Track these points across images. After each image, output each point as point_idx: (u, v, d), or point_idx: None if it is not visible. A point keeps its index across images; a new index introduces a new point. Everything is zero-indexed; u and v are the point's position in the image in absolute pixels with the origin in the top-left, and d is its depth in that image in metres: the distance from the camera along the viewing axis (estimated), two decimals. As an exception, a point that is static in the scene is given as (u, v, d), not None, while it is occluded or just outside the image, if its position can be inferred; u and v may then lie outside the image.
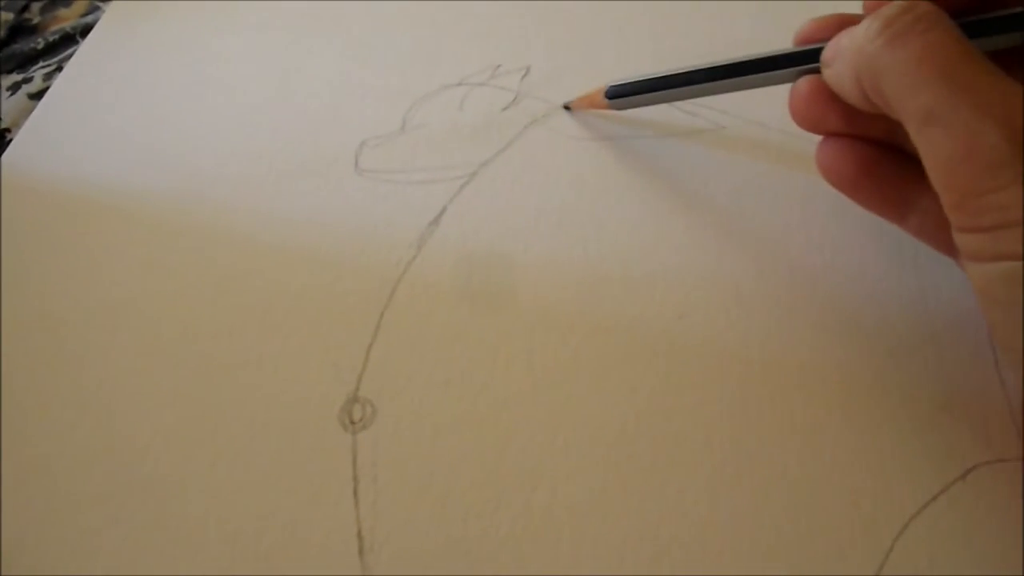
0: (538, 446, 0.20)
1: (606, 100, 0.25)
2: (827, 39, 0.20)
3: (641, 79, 0.24)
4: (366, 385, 0.21)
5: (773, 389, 0.20)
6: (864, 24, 0.18)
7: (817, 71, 0.21)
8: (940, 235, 0.21)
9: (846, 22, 0.20)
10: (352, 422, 0.21)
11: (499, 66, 0.29)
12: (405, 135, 0.27)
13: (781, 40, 0.22)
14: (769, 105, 0.25)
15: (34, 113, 0.30)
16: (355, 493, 0.19)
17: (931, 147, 0.17)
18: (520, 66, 0.29)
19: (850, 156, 0.21)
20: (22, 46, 0.33)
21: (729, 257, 0.23)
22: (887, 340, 0.21)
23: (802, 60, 0.21)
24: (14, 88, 0.32)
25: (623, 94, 0.25)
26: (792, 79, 0.21)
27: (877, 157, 0.21)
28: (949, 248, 0.20)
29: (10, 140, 0.30)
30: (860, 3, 0.20)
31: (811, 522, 0.18)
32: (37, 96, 0.31)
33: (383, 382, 0.21)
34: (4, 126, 0.30)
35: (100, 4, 0.35)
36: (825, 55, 0.20)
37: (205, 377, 0.22)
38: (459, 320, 0.22)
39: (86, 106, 0.30)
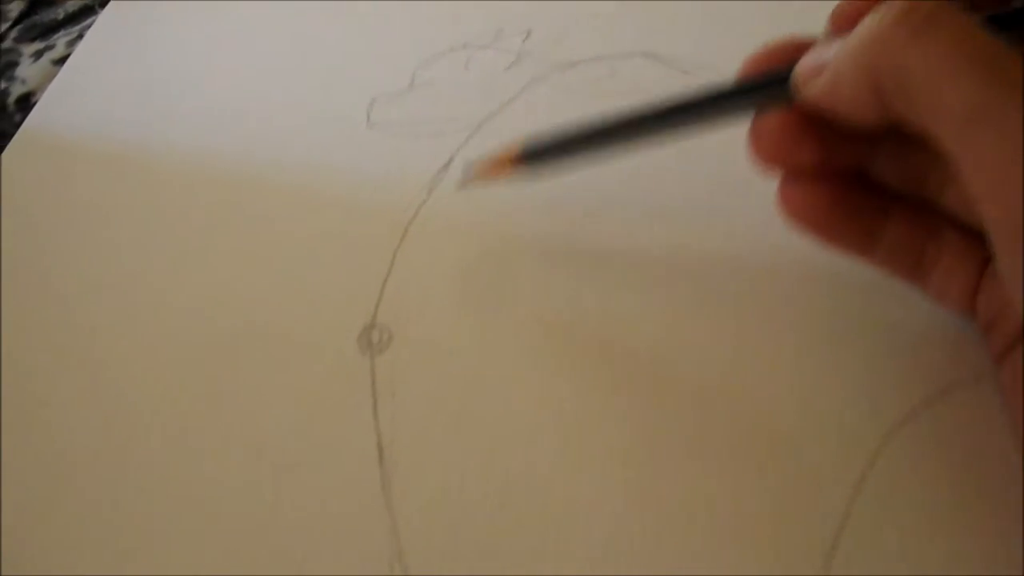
0: (544, 362, 0.21)
1: (517, 165, 0.22)
2: (783, 65, 0.18)
3: (565, 135, 0.21)
4: (382, 314, 0.23)
5: (763, 319, 0.22)
6: (870, 18, 0.16)
7: (782, 101, 0.18)
8: (906, 266, 0.20)
9: (802, 47, 0.19)
10: (370, 345, 0.22)
11: (501, 29, 0.30)
12: (413, 92, 0.29)
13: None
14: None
15: (58, 76, 0.31)
16: (374, 409, 0.21)
17: (980, 151, 0.15)
18: (522, 29, 0.30)
19: (819, 195, 0.20)
20: (43, 17, 0.35)
21: (722, 196, 0.24)
22: (870, 274, 0.22)
23: (767, 87, 0.19)
24: (37, 55, 0.33)
25: (540, 156, 0.21)
26: (751, 110, 0.19)
27: (845, 191, 0.20)
28: (916, 277, 0.20)
29: (35, 103, 0.31)
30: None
31: (801, 433, 0.20)
32: (60, 62, 0.32)
33: (398, 311, 0.23)
34: (28, 89, 0.32)
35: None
36: (803, 71, 0.18)
37: (230, 312, 0.23)
38: (468, 255, 0.24)
39: (107, 69, 0.31)
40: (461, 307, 0.23)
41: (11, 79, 0.32)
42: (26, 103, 0.31)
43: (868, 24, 0.16)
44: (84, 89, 0.30)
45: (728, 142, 0.20)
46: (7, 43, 0.34)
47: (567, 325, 0.22)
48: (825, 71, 0.17)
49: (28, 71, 0.32)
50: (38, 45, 0.34)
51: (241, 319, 0.23)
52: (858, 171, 0.20)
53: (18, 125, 0.30)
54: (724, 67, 0.28)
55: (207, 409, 0.22)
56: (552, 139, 0.21)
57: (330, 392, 0.21)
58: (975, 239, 0.19)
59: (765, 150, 0.19)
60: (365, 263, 0.24)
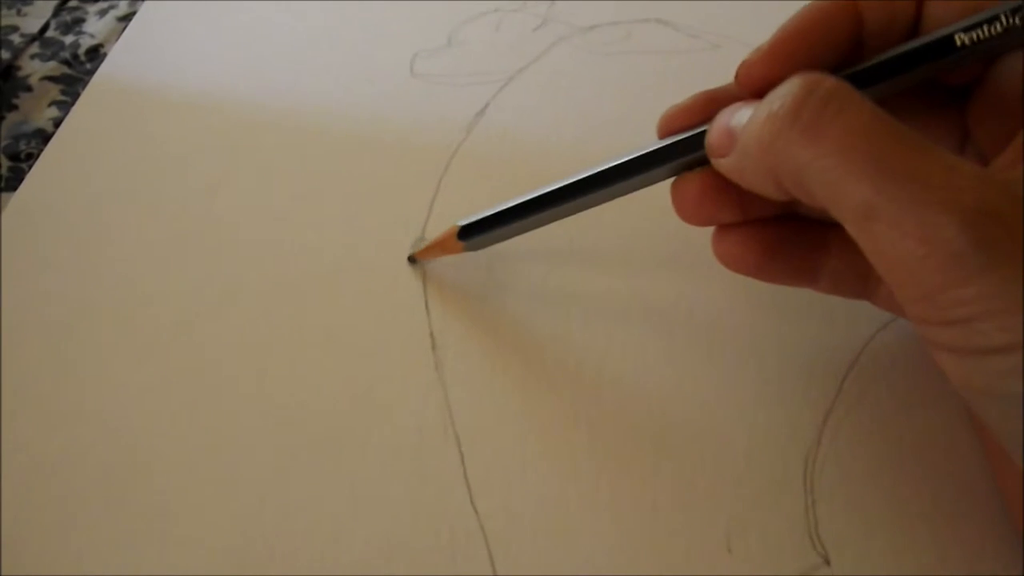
0: (572, 262, 0.25)
1: (459, 242, 0.23)
2: (698, 123, 0.19)
3: (495, 211, 0.22)
4: (430, 230, 0.26)
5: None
6: (764, 110, 0.16)
7: (700, 162, 0.19)
8: (853, 288, 0.21)
9: (714, 100, 0.19)
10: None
11: (529, -4, 0.34)
12: (451, 49, 0.32)
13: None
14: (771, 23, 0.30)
15: (127, 30, 0.34)
16: (426, 307, 0.24)
17: (877, 244, 0.15)
18: (547, -4, 0.34)
19: (752, 244, 0.20)
20: (105, -21, 0.38)
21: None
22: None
23: (683, 152, 0.19)
24: (102, 13, 0.36)
25: (478, 232, 0.23)
26: (672, 174, 0.20)
27: (778, 235, 0.20)
28: (865, 296, 0.21)
29: (104, 54, 0.34)
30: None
31: (777, 363, 0.23)
32: (124, 19, 0.36)
33: (444, 227, 0.26)
34: (97, 42, 0.35)
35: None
36: (712, 142, 0.18)
37: (300, 236, 0.27)
38: (501, 183, 0.27)
39: (172, 24, 0.34)
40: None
41: (79, 33, 0.35)
42: (95, 54, 0.35)
43: (763, 121, 0.16)
44: (151, 42, 0.34)
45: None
46: (73, 2, 0.37)
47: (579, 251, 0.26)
48: (731, 154, 0.18)
49: (95, 27, 0.36)
50: (102, 4, 0.37)
51: (311, 241, 0.26)
52: (790, 213, 0.20)
53: (90, 73, 0.33)
54: (726, 31, 0.32)
55: (287, 321, 0.25)
56: (485, 218, 0.22)
57: (389, 293, 0.25)
58: None
59: (688, 212, 0.20)
60: (415, 189, 0.27)
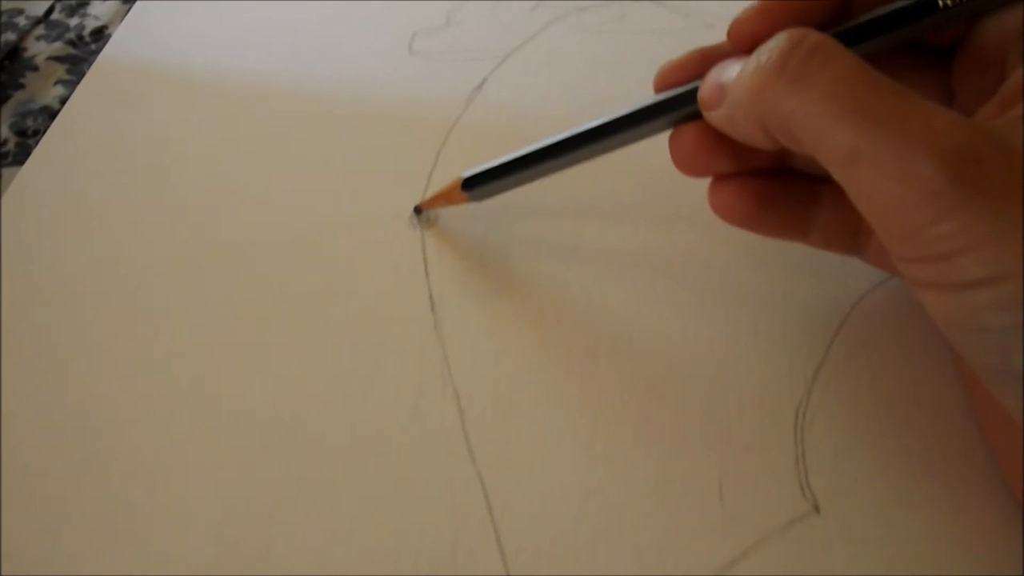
0: (568, 221, 0.25)
1: (463, 193, 0.24)
2: (693, 78, 0.20)
3: (499, 162, 0.23)
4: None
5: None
6: (752, 63, 0.17)
7: (694, 115, 0.20)
8: (843, 242, 0.22)
9: (708, 56, 0.20)
10: (420, 221, 0.26)
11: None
12: (449, 28, 0.33)
13: None
14: None
15: (131, 11, 0.35)
16: (425, 270, 0.25)
17: (861, 186, 0.16)
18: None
19: (746, 195, 0.21)
20: (109, -36, 0.38)
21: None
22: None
23: (677, 106, 0.20)
24: (106, -4, 0.37)
25: (482, 183, 0.24)
26: (668, 127, 0.21)
27: (771, 187, 0.21)
28: (854, 251, 0.22)
29: (109, 35, 0.35)
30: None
31: (769, 318, 0.24)
32: (128, 1, 0.36)
33: (444, 196, 0.27)
34: (102, 24, 0.36)
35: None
36: (703, 96, 0.19)
37: (303, 204, 0.27)
38: (496, 154, 0.28)
39: (175, 6, 0.35)
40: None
41: (84, 15, 0.36)
42: (100, 35, 0.35)
43: (751, 72, 0.17)
44: (154, 23, 0.34)
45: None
46: (77, -14, 0.38)
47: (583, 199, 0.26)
48: (721, 105, 0.19)
49: (99, 9, 0.36)
50: (106, -12, 0.37)
51: (313, 211, 0.27)
52: (783, 166, 0.21)
53: (94, 54, 0.34)
54: (719, 11, 0.32)
55: (290, 287, 0.25)
56: (489, 169, 0.23)
57: (389, 258, 0.25)
58: None
59: (685, 162, 0.21)
60: (414, 160, 0.28)
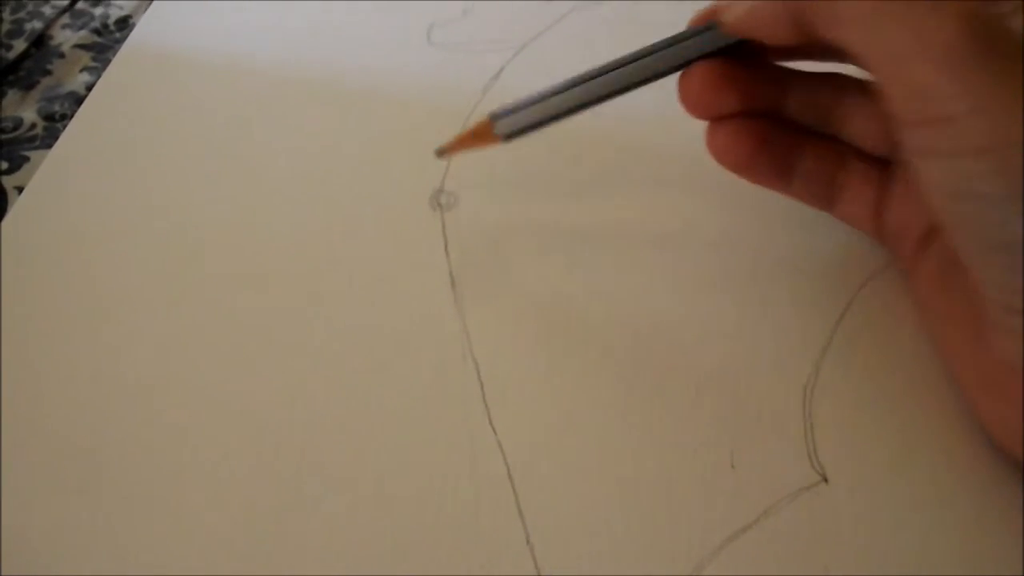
0: (584, 199, 0.26)
1: (490, 130, 0.23)
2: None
3: (528, 97, 0.23)
4: (449, 182, 0.27)
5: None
6: None
7: (706, 54, 0.21)
8: (820, 194, 0.23)
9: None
10: (439, 205, 0.27)
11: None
12: (466, 19, 0.34)
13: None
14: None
15: (154, 2, 0.36)
16: (445, 248, 0.26)
17: (881, 40, 0.17)
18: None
19: (744, 137, 0.22)
20: (133, -44, 0.39)
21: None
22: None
23: (695, 34, 0.21)
24: (130, -13, 0.38)
25: (513, 121, 0.23)
26: (681, 63, 0.22)
27: (767, 131, 0.22)
28: (827, 205, 0.23)
29: (133, 24, 0.36)
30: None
31: (778, 295, 0.25)
32: (152, -8, 0.37)
33: (461, 180, 0.28)
34: (126, 13, 0.36)
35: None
36: (721, 6, 0.21)
37: (326, 186, 0.28)
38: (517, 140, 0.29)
39: (198, -3, 0.36)
40: (511, 176, 0.28)
41: (108, 5, 0.37)
42: (124, 24, 0.36)
43: None
44: (178, 12, 0.35)
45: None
46: (102, -23, 0.38)
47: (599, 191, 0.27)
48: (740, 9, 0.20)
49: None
50: (130, -21, 0.38)
51: (335, 194, 0.28)
52: (774, 114, 0.23)
53: (119, 42, 0.35)
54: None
55: (313, 266, 0.26)
56: (517, 104, 0.23)
57: (410, 238, 0.26)
58: (876, 165, 0.23)
59: (693, 99, 0.22)
60: (432, 146, 0.28)
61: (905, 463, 0.21)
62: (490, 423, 0.22)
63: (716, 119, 0.22)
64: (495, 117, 0.23)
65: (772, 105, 0.23)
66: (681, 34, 0.22)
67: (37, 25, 0.36)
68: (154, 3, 0.36)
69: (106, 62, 0.34)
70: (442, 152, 0.25)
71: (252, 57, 0.33)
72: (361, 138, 0.29)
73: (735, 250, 0.25)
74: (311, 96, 0.31)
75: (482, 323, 0.24)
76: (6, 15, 0.36)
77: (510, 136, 0.23)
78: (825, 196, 0.23)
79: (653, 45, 0.22)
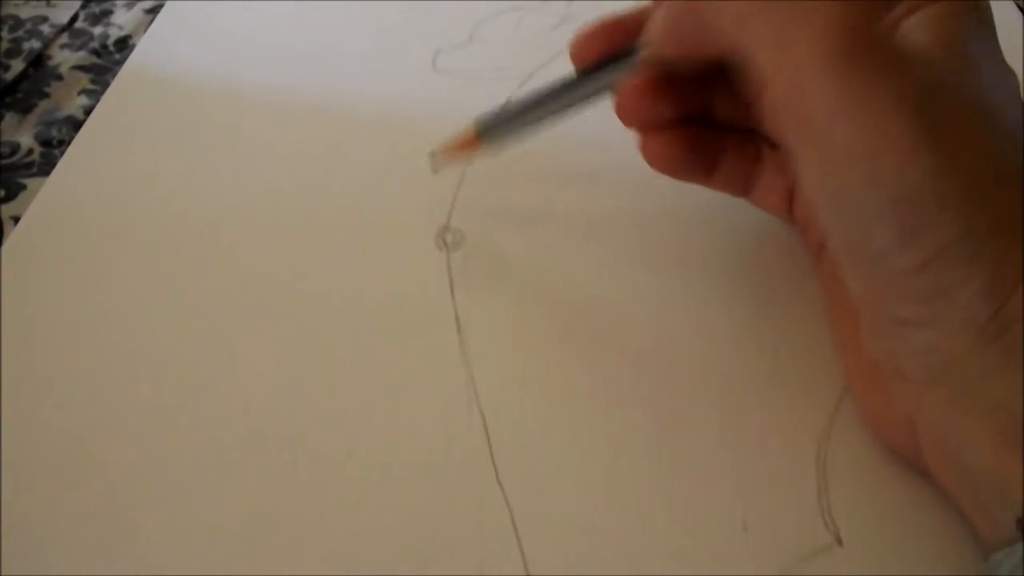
0: (594, 240, 0.26)
1: (477, 140, 0.25)
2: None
3: (513, 109, 0.25)
4: (455, 219, 0.27)
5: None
6: None
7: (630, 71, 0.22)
8: (739, 185, 0.24)
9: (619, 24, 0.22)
10: (446, 244, 0.26)
11: (549, -6, 0.35)
12: (472, 46, 0.33)
13: None
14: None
15: (155, 22, 0.35)
16: (451, 290, 0.25)
17: (750, 52, 0.18)
18: (567, -6, 0.35)
19: (675, 145, 0.23)
20: (133, -28, 0.39)
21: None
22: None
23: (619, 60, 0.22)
24: (129, 5, 0.37)
25: (494, 124, 0.25)
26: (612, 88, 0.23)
27: (695, 137, 0.23)
28: (745, 193, 0.24)
29: (132, 45, 0.35)
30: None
31: (791, 348, 0.24)
32: (152, 11, 0.36)
33: (468, 216, 0.27)
34: (126, 33, 0.36)
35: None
36: (644, 37, 0.21)
37: (326, 221, 0.27)
38: (523, 175, 0.28)
39: (199, 18, 0.35)
40: (519, 214, 0.27)
41: (108, 24, 0.36)
42: (124, 45, 0.35)
43: None
44: (178, 34, 0.35)
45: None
46: (101, -6, 0.38)
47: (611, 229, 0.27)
48: (650, 31, 0.21)
49: (123, 18, 0.36)
50: (130, -4, 0.38)
51: (338, 229, 0.27)
52: (702, 115, 0.24)
53: (118, 63, 0.34)
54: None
55: (313, 305, 0.26)
56: (498, 114, 0.25)
57: (415, 278, 0.26)
58: (788, 160, 0.22)
59: (628, 114, 0.23)
60: (439, 178, 0.28)
61: (922, 523, 0.21)
62: (497, 481, 0.21)
63: (648, 130, 0.23)
64: (480, 122, 0.25)
65: (700, 108, 0.23)
66: (608, 58, 0.23)
67: (35, 45, 0.35)
68: (155, 24, 0.35)
69: (105, 84, 0.33)
70: (436, 165, 0.26)
71: (254, 82, 0.32)
72: (365, 170, 0.29)
73: (747, 303, 0.25)
74: (314, 124, 0.30)
75: (489, 372, 0.23)
76: (4, 34, 0.35)
77: (492, 137, 0.25)
78: (743, 187, 0.24)
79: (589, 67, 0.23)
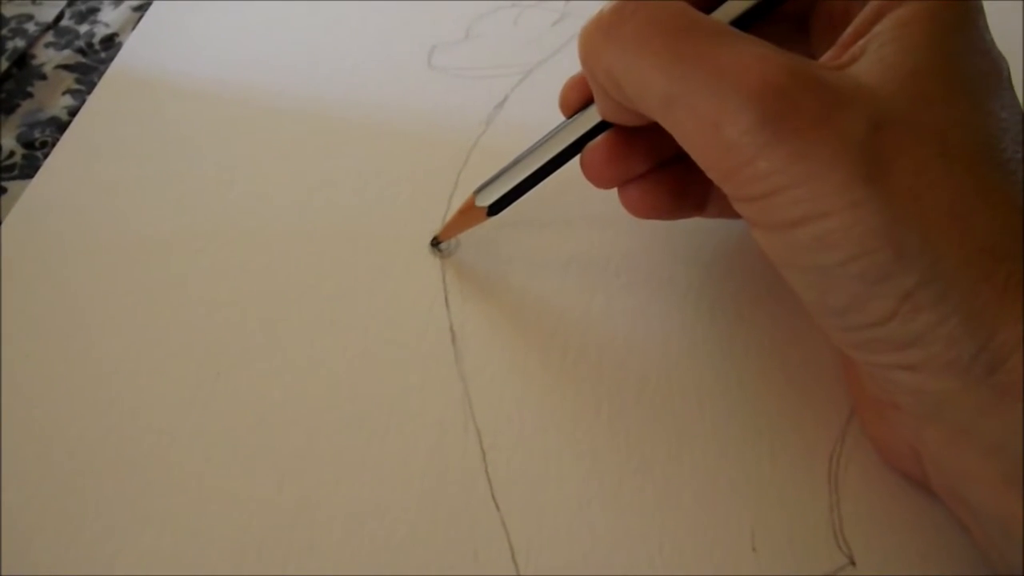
0: (592, 254, 0.25)
1: (479, 209, 0.23)
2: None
3: (501, 171, 0.23)
4: (450, 224, 0.26)
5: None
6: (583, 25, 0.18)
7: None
8: (731, 212, 0.21)
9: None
10: (440, 251, 0.25)
11: (547, -11, 0.34)
12: (469, 42, 0.32)
13: None
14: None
15: (143, 20, 0.34)
16: (446, 300, 0.24)
17: (680, 130, 0.16)
18: (566, -10, 0.34)
19: (657, 190, 0.21)
20: (120, -32, 0.38)
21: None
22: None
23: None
24: (117, 2, 0.36)
25: (492, 191, 0.23)
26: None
27: (675, 175, 0.21)
28: (736, 216, 0.22)
29: (120, 43, 0.34)
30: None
31: (801, 361, 0.23)
32: (139, 9, 0.35)
33: (464, 221, 0.26)
34: (112, 31, 0.35)
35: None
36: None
37: (316, 227, 0.26)
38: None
39: (188, 15, 0.34)
40: (515, 220, 0.26)
41: (94, 23, 0.35)
42: (110, 43, 0.34)
43: (579, 36, 0.18)
44: (167, 32, 0.33)
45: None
46: (87, -9, 0.37)
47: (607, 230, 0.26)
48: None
49: (110, 16, 0.35)
50: (117, -6, 0.36)
51: (329, 235, 0.26)
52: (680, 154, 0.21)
53: (104, 62, 0.33)
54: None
55: (305, 315, 0.25)
56: (495, 179, 0.23)
57: (409, 288, 0.25)
58: None
59: (597, 176, 0.21)
60: (434, 183, 0.27)
61: (937, 542, 0.20)
62: (493, 499, 0.20)
63: (628, 182, 0.21)
64: (479, 192, 0.23)
65: (676, 147, 0.22)
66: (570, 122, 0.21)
67: (20, 43, 0.34)
68: (142, 22, 0.34)
69: (90, 84, 0.32)
70: (437, 241, 0.25)
71: (245, 81, 0.31)
72: (358, 172, 0.28)
73: (755, 313, 0.24)
74: (306, 124, 0.29)
75: (485, 385, 0.22)
76: (-12, 33, 0.34)
77: (493, 208, 0.23)
78: (734, 213, 0.23)
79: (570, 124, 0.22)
